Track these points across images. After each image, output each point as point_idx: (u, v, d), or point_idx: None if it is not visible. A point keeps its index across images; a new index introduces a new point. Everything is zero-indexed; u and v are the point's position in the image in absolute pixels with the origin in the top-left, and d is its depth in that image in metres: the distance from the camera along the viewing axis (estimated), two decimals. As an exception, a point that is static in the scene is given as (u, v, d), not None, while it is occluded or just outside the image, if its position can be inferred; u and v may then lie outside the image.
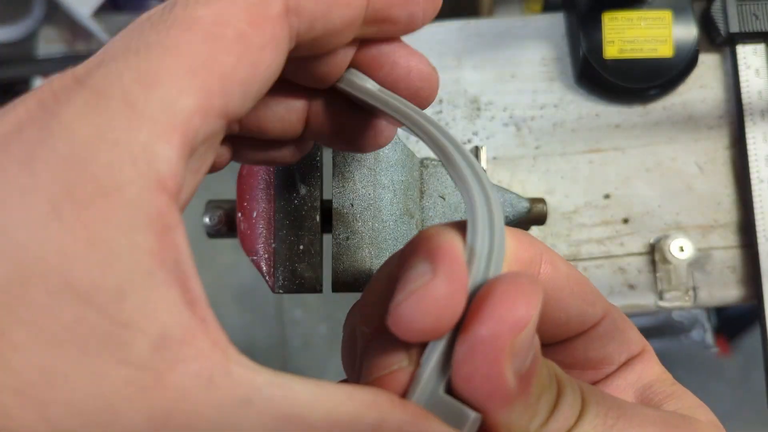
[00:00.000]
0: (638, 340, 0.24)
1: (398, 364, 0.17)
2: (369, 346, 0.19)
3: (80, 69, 0.15)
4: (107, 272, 0.12)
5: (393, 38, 0.21)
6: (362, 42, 0.21)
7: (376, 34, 0.21)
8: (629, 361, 0.23)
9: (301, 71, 0.21)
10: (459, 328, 0.16)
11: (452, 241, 0.17)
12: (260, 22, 0.16)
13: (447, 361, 0.17)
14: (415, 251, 0.18)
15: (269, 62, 0.17)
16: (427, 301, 0.16)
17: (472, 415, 0.17)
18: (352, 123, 0.23)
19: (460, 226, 0.18)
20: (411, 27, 0.21)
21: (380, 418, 0.15)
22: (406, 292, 0.16)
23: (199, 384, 0.13)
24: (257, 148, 0.23)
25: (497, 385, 0.16)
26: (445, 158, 0.19)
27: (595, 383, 0.24)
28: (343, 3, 0.18)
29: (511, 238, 0.21)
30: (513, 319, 0.15)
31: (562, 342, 0.23)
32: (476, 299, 0.16)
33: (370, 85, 0.22)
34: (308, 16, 0.18)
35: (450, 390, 0.17)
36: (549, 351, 0.24)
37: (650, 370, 0.23)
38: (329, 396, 0.15)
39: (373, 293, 0.21)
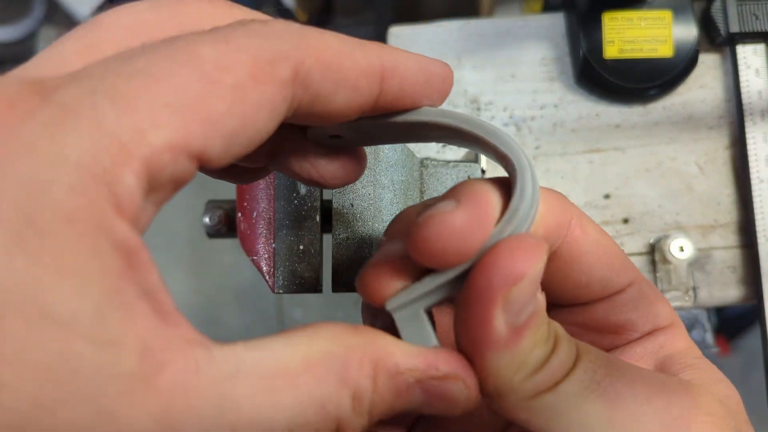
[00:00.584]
0: (667, 314, 0.23)
1: (402, 282, 0.19)
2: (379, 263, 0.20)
3: (48, 82, 0.14)
4: (83, 298, 0.13)
5: None
6: None
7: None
8: (654, 332, 0.23)
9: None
10: (466, 274, 0.18)
11: (485, 190, 0.19)
12: (264, 79, 0.15)
13: (442, 291, 0.19)
14: (449, 192, 0.19)
15: (261, 124, 0.16)
16: (445, 225, 0.17)
17: (434, 341, 0.19)
18: (322, 160, 0.22)
19: (499, 184, 0.19)
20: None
21: (346, 345, 0.17)
22: (428, 215, 0.18)
23: (188, 375, 0.14)
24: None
25: (486, 330, 0.17)
26: (484, 132, 0.19)
27: (613, 348, 0.23)
28: (352, 86, 0.17)
29: (543, 203, 0.21)
30: (508, 272, 0.17)
31: (583, 304, 0.24)
32: (487, 252, 0.18)
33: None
34: (313, 91, 0.17)
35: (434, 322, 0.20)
36: (569, 311, 0.24)
37: (675, 342, 0.23)
38: (299, 343, 0.16)
39: (400, 221, 0.23)
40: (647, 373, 0.19)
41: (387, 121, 0.20)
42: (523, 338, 0.18)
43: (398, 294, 0.19)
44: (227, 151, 0.15)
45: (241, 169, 0.23)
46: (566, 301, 0.24)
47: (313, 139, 0.21)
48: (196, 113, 0.14)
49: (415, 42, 0.45)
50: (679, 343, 0.23)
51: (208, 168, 0.16)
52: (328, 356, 0.16)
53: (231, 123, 0.15)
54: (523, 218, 0.18)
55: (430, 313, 0.20)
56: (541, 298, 0.18)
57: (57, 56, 0.16)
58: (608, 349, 0.23)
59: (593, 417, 0.18)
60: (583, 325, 0.24)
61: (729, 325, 1.32)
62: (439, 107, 0.20)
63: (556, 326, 0.19)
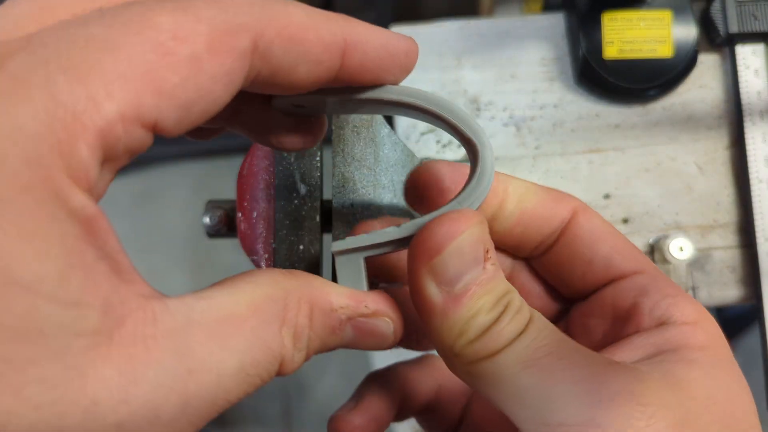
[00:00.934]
0: (689, 311, 0.22)
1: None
2: None
3: (0, 48, 0.14)
4: (46, 262, 0.13)
5: None
6: None
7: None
8: (665, 324, 0.22)
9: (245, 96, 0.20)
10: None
11: (441, 166, 0.22)
12: (221, 51, 0.15)
13: (385, 247, 0.21)
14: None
15: (216, 95, 0.16)
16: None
17: (365, 287, 0.21)
18: (279, 125, 0.22)
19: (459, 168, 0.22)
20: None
21: (284, 288, 0.18)
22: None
23: (147, 325, 0.15)
24: None
25: (421, 297, 0.19)
26: (449, 113, 0.20)
27: (619, 339, 0.23)
28: (314, 60, 0.17)
29: (538, 194, 0.24)
30: (429, 243, 0.19)
31: (594, 292, 0.24)
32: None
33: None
34: (274, 63, 0.17)
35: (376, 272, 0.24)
36: (583, 303, 0.25)
37: (691, 338, 0.22)
38: (242, 290, 0.18)
39: None
40: (593, 357, 0.19)
41: (351, 98, 0.20)
42: (462, 306, 0.19)
43: (345, 239, 0.21)
44: (182, 121, 0.16)
45: (196, 129, 0.23)
46: (574, 283, 0.25)
47: (276, 107, 0.21)
48: (150, 84, 0.14)
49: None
50: (694, 340, 0.21)
51: (165, 136, 0.16)
52: (269, 300, 0.18)
53: (185, 94, 0.15)
54: (477, 198, 0.20)
55: (367, 262, 0.22)
56: (490, 269, 0.19)
57: (10, 17, 0.16)
58: (615, 339, 0.23)
59: (527, 390, 0.18)
60: (593, 313, 0.24)
61: (729, 325, 1.32)
62: (403, 85, 0.21)
63: (512, 297, 0.19)
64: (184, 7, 0.15)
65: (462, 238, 0.19)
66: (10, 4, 0.17)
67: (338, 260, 0.21)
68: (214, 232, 0.36)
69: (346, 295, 0.20)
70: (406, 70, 0.20)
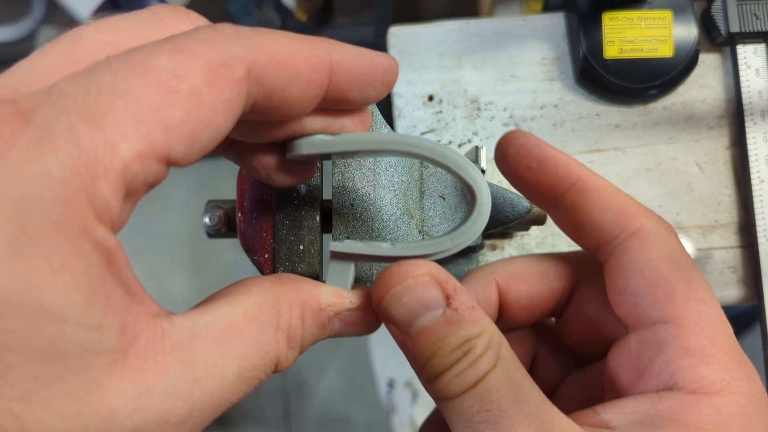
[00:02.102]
0: (709, 375, 0.20)
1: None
2: None
3: (25, 102, 0.16)
4: (73, 292, 0.15)
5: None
6: None
7: (330, 107, 0.22)
8: (663, 323, 0.21)
9: (249, 131, 0.22)
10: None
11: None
12: (218, 83, 0.17)
13: (375, 259, 0.23)
14: None
15: (219, 123, 0.17)
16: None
17: (349, 286, 0.23)
18: (272, 162, 0.24)
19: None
20: (363, 106, 0.23)
21: (276, 295, 0.20)
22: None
23: (156, 341, 0.17)
24: None
25: (389, 326, 0.22)
26: (451, 163, 0.22)
27: (617, 338, 0.24)
28: (305, 80, 0.19)
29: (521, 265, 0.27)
30: (378, 288, 0.22)
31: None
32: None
33: (322, 137, 0.22)
34: (268, 87, 0.18)
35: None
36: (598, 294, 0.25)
37: (684, 341, 0.21)
38: (238, 302, 0.20)
39: None
40: (546, 417, 0.20)
41: (357, 152, 0.23)
42: (417, 347, 0.21)
43: (344, 242, 0.24)
44: (191, 150, 0.17)
45: None
46: (589, 237, 0.25)
47: (290, 159, 0.23)
48: (158, 121, 0.16)
49: (415, 42, 0.45)
50: (696, 415, 0.19)
51: (178, 166, 0.18)
52: (263, 308, 0.20)
53: (190, 126, 0.17)
54: (469, 237, 0.23)
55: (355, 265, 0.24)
56: (451, 314, 0.21)
57: (37, 69, 0.18)
58: (629, 394, 0.22)
59: None
60: (621, 362, 0.24)
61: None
62: (408, 134, 0.23)
63: (476, 343, 0.20)
64: (180, 49, 0.17)
65: (402, 286, 0.21)
66: (38, 55, 0.19)
67: (331, 262, 0.24)
68: (214, 232, 0.35)
69: (333, 294, 0.23)
70: (388, 84, 0.22)
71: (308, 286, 0.22)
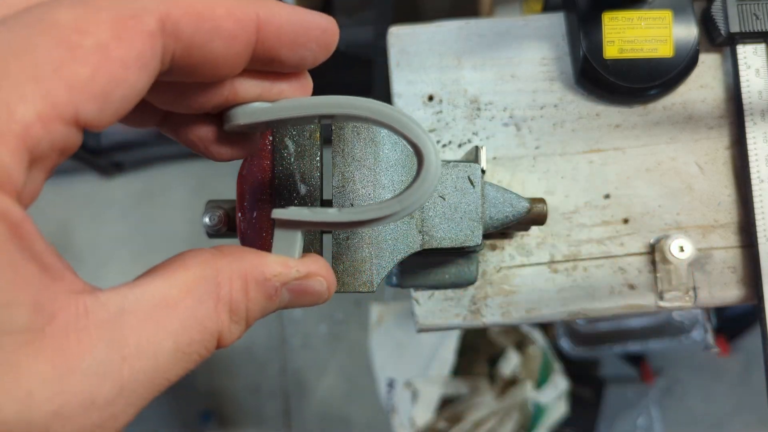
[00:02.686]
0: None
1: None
2: None
3: None
4: None
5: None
6: None
7: (262, 69, 0.20)
8: None
9: (178, 98, 0.20)
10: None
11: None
12: (127, 36, 0.16)
13: (321, 226, 0.23)
14: None
15: (133, 81, 0.16)
16: None
17: (297, 255, 0.23)
18: (209, 135, 0.22)
19: None
20: (300, 69, 0.21)
21: (215, 267, 0.19)
22: None
23: (78, 319, 0.16)
24: None
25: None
26: (396, 123, 0.21)
27: None
28: (228, 35, 0.18)
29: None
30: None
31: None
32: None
33: (259, 104, 0.21)
34: (186, 41, 0.17)
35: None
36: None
37: None
38: (174, 274, 0.19)
39: None
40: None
41: (298, 118, 0.21)
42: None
43: (288, 209, 0.23)
44: (103, 111, 0.16)
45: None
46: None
47: (229, 131, 0.22)
48: (61, 80, 0.15)
49: (415, 42, 0.45)
50: None
51: (93, 130, 0.16)
52: (202, 280, 0.19)
53: (99, 84, 0.15)
54: (418, 199, 0.22)
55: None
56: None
57: None
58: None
59: None
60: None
61: (729, 325, 1.32)
62: (348, 96, 0.21)
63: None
64: (82, 1, 0.16)
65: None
66: None
67: (277, 231, 0.23)
68: (214, 232, 0.35)
69: (278, 263, 0.22)
70: (325, 46, 0.21)
71: (251, 256, 0.21)
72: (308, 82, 0.22)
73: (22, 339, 0.15)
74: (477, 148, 0.36)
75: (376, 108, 0.21)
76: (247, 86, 0.21)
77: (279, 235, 0.23)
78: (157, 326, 0.17)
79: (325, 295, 0.23)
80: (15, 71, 0.14)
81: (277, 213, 0.23)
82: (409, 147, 0.32)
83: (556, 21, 0.46)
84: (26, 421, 0.15)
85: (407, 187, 0.22)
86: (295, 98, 0.22)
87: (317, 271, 0.23)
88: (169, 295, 0.18)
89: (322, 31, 0.20)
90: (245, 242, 0.29)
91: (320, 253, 0.29)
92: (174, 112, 0.22)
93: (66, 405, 0.15)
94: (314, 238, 0.29)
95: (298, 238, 0.23)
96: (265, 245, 0.29)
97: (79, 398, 0.15)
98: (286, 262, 0.22)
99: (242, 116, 0.21)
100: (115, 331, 0.16)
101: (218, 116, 0.22)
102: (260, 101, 0.21)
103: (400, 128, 0.21)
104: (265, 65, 0.20)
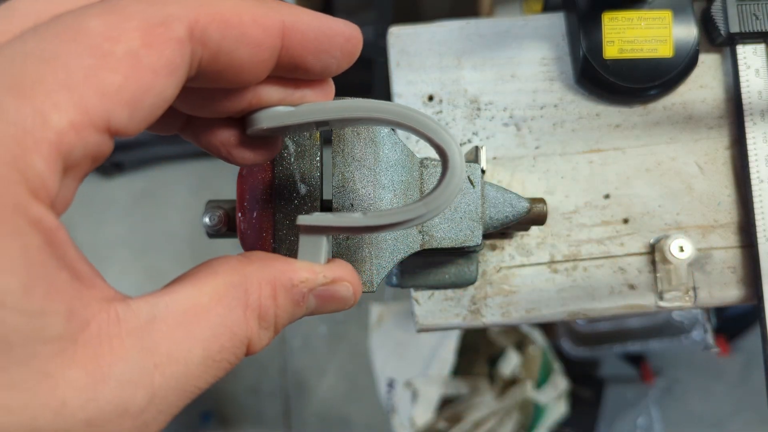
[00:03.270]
0: None
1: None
2: None
3: None
4: (9, 275, 0.14)
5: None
6: None
7: (287, 76, 0.20)
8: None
9: (202, 103, 0.20)
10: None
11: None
12: (156, 43, 0.16)
13: (345, 231, 0.23)
14: None
15: (162, 87, 0.16)
16: None
17: (323, 260, 0.23)
18: (231, 139, 0.22)
19: None
20: (323, 76, 0.21)
21: (244, 274, 0.20)
22: None
23: (110, 326, 0.16)
24: None
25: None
26: (421, 126, 0.21)
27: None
28: (254, 42, 0.18)
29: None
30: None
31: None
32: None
33: (283, 109, 0.21)
34: (213, 47, 0.17)
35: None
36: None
37: None
38: (204, 281, 0.19)
39: None
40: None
41: (321, 122, 0.21)
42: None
43: (313, 215, 0.23)
44: (134, 118, 0.16)
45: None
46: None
47: (251, 134, 0.22)
48: (93, 87, 0.15)
49: (415, 42, 0.45)
50: None
51: (124, 136, 0.16)
52: (231, 287, 0.19)
53: (130, 91, 0.16)
54: (445, 201, 0.21)
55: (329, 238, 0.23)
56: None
57: None
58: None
59: None
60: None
61: (729, 325, 1.32)
62: (371, 100, 0.21)
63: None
64: (111, 9, 0.16)
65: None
66: None
67: (302, 237, 0.23)
68: (214, 232, 0.35)
69: (305, 270, 0.22)
70: (349, 54, 0.21)
71: (279, 263, 0.21)
72: (331, 88, 0.22)
73: (57, 347, 0.15)
74: (477, 148, 0.36)
75: (401, 111, 0.21)
76: (271, 91, 0.21)
77: (304, 241, 0.23)
78: (188, 334, 0.17)
79: (351, 300, 0.23)
80: (48, 79, 0.14)
81: (302, 219, 0.23)
82: (408, 148, 0.32)
83: (556, 21, 0.46)
84: (60, 430, 0.14)
85: (433, 189, 0.21)
86: (318, 102, 0.22)
87: (343, 276, 0.23)
88: (199, 302, 0.18)
89: (346, 39, 0.20)
90: (245, 242, 0.29)
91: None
92: (197, 116, 0.22)
93: (99, 413, 0.15)
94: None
95: (323, 244, 0.23)
96: (265, 245, 0.29)
97: (112, 406, 0.15)
98: (312, 268, 0.22)
99: (266, 120, 0.21)
100: (146, 339, 0.16)
101: (240, 120, 0.22)
102: (283, 105, 0.21)
103: (425, 131, 0.21)
104: (290, 72, 0.20)
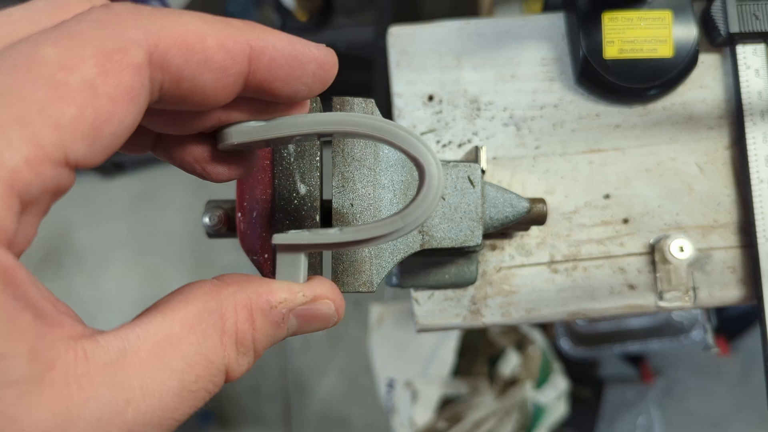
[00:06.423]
0: None
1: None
2: None
3: None
4: None
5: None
6: None
7: (256, 98, 0.20)
8: None
9: (170, 122, 0.20)
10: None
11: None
12: (114, 70, 0.15)
13: (321, 247, 0.23)
14: None
15: (122, 115, 0.16)
16: None
17: (302, 279, 0.22)
18: (205, 155, 0.22)
19: None
20: (293, 101, 0.20)
21: (218, 299, 0.19)
22: None
23: (78, 365, 0.15)
24: None
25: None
26: (396, 139, 0.21)
27: None
28: (218, 68, 0.17)
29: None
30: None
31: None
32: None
33: (254, 123, 0.21)
34: (175, 72, 0.17)
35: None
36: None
37: None
38: (175, 309, 0.18)
39: None
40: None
41: (294, 136, 0.21)
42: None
43: (288, 233, 0.22)
44: (93, 149, 0.15)
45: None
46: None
47: (223, 150, 0.21)
48: (47, 121, 0.14)
49: (415, 42, 0.45)
50: None
51: (85, 168, 0.16)
52: (204, 314, 0.18)
53: (87, 122, 0.15)
54: (421, 215, 0.21)
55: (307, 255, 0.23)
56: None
57: None
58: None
59: None
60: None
61: (729, 325, 1.32)
62: (344, 113, 0.21)
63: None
64: (68, 34, 0.15)
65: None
66: None
67: (279, 256, 0.23)
68: (214, 232, 0.35)
69: (283, 290, 0.21)
70: (321, 81, 0.20)
71: (255, 284, 0.20)
72: (305, 105, 0.21)
73: (22, 390, 0.14)
74: (477, 148, 0.36)
75: (374, 124, 0.20)
76: (241, 108, 0.20)
77: (282, 260, 0.23)
78: (161, 365, 0.17)
79: (333, 318, 0.22)
80: (0, 115, 0.14)
81: (278, 238, 0.22)
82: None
83: (556, 21, 0.46)
84: None
85: (410, 203, 0.21)
86: (290, 116, 0.21)
87: (324, 293, 0.22)
88: (171, 332, 0.17)
89: (319, 66, 0.20)
90: (245, 242, 0.29)
91: (320, 253, 0.29)
92: (167, 133, 0.21)
93: None
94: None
95: (301, 262, 0.22)
96: (265, 245, 0.29)
97: None
98: (291, 288, 0.21)
99: (236, 135, 0.21)
100: (117, 375, 0.16)
101: (213, 135, 0.22)
102: (255, 120, 0.21)
103: (400, 143, 0.20)
104: (258, 95, 0.20)
